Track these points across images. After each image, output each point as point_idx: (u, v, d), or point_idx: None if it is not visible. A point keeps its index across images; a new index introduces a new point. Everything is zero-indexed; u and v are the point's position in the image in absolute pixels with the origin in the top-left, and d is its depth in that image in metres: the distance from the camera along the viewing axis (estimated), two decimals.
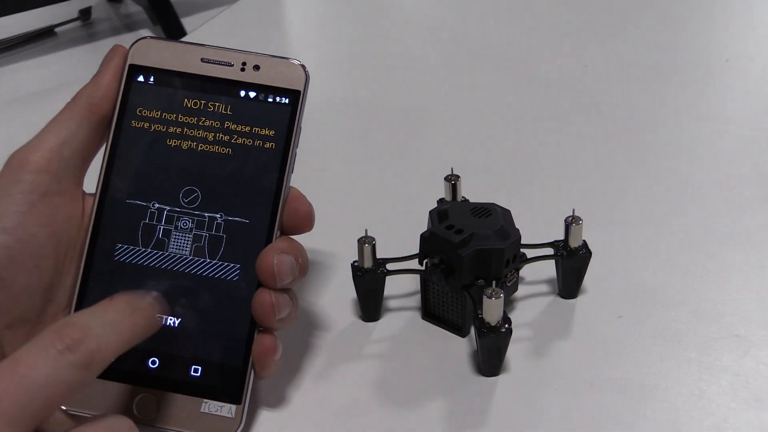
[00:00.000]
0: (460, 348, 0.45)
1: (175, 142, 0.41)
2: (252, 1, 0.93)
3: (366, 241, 0.45)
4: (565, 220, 0.46)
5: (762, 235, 0.52)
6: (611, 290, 0.48)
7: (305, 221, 0.41)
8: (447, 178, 0.50)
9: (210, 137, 0.41)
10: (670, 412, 0.41)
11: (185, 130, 0.41)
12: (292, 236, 0.41)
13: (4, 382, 0.29)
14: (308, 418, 0.42)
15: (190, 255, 0.40)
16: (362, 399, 0.42)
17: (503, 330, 0.41)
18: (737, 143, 0.62)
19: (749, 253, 0.51)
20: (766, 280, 0.48)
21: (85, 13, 1.13)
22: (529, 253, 0.47)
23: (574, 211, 0.46)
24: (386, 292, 0.47)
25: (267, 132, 0.41)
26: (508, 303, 0.47)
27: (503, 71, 0.74)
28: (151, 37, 0.42)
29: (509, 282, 0.46)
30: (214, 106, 0.41)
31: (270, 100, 0.41)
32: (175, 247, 0.40)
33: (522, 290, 0.48)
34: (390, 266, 0.46)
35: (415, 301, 0.48)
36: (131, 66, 0.41)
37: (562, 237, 0.46)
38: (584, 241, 0.46)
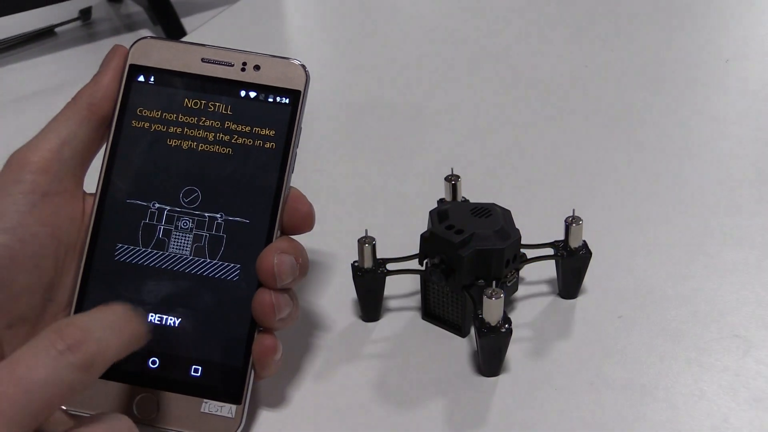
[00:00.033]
0: (460, 348, 0.45)
1: (175, 142, 0.41)
2: (252, 1, 0.93)
3: (366, 241, 0.45)
4: (565, 221, 0.46)
5: (762, 235, 0.52)
6: (611, 290, 0.48)
7: (305, 221, 0.41)
8: (447, 179, 0.50)
9: (210, 137, 0.41)
10: (670, 412, 0.41)
11: (185, 130, 0.41)
12: (293, 236, 0.41)
13: (3, 383, 0.29)
14: (308, 418, 0.42)
15: (190, 255, 0.40)
16: (362, 399, 0.42)
17: (503, 330, 0.41)
18: (737, 143, 0.62)
19: (749, 253, 0.51)
20: (766, 280, 0.48)
21: (85, 13, 1.13)
22: (530, 253, 0.47)
23: (574, 211, 0.46)
24: (386, 292, 0.47)
25: (267, 132, 0.41)
26: (508, 303, 0.47)
27: (503, 71, 0.74)
28: (152, 37, 0.42)
29: (509, 282, 0.46)
30: (214, 106, 0.41)
31: (270, 100, 0.41)
32: (175, 247, 0.40)
33: (522, 290, 0.48)
34: (390, 266, 0.46)
35: (415, 301, 0.48)
36: (131, 66, 0.41)
37: (562, 237, 0.46)
38: (584, 241, 0.46)
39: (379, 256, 0.46)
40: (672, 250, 0.51)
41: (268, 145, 0.41)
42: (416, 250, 0.45)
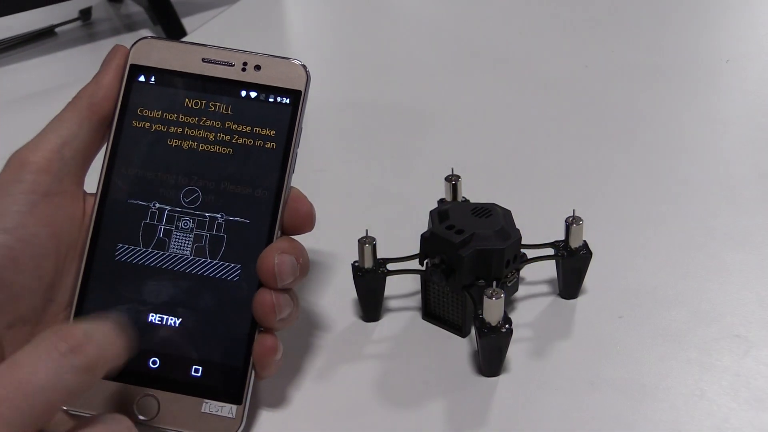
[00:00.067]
0: (460, 348, 0.45)
1: (176, 142, 0.41)
2: (252, 1, 0.93)
3: (366, 242, 0.45)
4: (566, 221, 0.46)
5: (762, 235, 0.52)
6: (612, 290, 0.48)
7: (306, 221, 0.41)
8: (447, 179, 0.50)
9: (211, 137, 0.41)
10: (670, 412, 0.41)
11: (186, 130, 0.41)
12: (293, 236, 0.41)
13: (4, 385, 0.29)
14: (309, 418, 0.42)
15: (190, 255, 0.40)
16: (363, 399, 0.42)
17: (504, 330, 0.41)
18: (737, 143, 0.62)
19: (749, 253, 0.51)
20: (767, 281, 0.48)
21: (85, 13, 1.13)
22: (530, 253, 0.47)
23: (574, 211, 0.46)
24: (387, 292, 0.47)
25: (268, 132, 0.41)
26: (509, 303, 0.47)
27: (504, 71, 0.74)
28: (152, 37, 0.42)
29: (510, 282, 0.46)
30: (215, 106, 0.41)
31: (271, 100, 0.41)
32: (175, 247, 0.40)
33: (522, 290, 0.48)
34: (390, 266, 0.46)
35: (416, 301, 0.48)
36: (132, 66, 0.41)
37: (562, 237, 0.46)
38: (585, 241, 0.46)
39: (379, 256, 0.46)
40: (672, 250, 0.51)
41: (268, 145, 0.41)
42: (416, 250, 0.45)
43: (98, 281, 0.40)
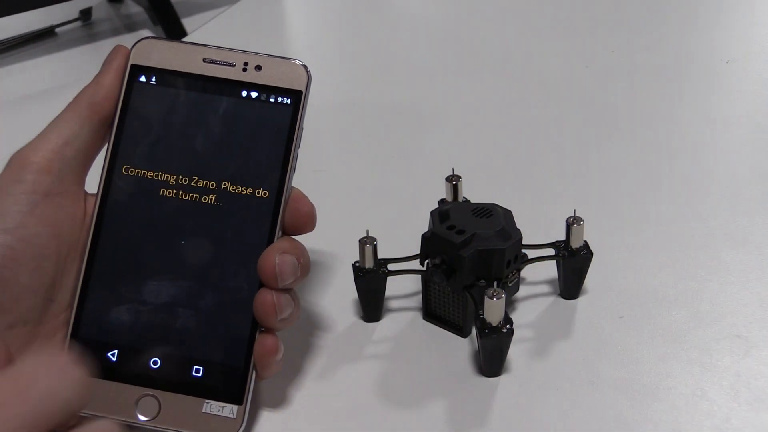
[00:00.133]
0: (461, 348, 0.45)
1: (176, 142, 0.41)
2: (252, 1, 0.93)
3: (367, 242, 0.45)
4: (567, 221, 0.46)
5: (763, 235, 0.52)
6: (612, 291, 0.48)
7: (307, 221, 0.41)
8: (448, 179, 0.50)
9: (212, 137, 0.41)
10: (670, 412, 0.41)
11: (187, 130, 0.41)
12: (294, 236, 0.41)
13: (5, 393, 0.29)
14: (309, 419, 0.42)
15: (191, 255, 0.40)
16: (363, 399, 0.42)
17: (504, 330, 0.41)
18: (738, 144, 0.62)
19: (750, 253, 0.51)
20: (767, 281, 0.48)
21: (85, 14, 1.13)
22: (531, 253, 0.47)
23: (575, 211, 0.46)
24: (387, 292, 0.47)
25: (269, 132, 0.41)
26: (509, 303, 0.47)
27: (504, 71, 0.74)
28: (153, 38, 0.42)
29: (510, 282, 0.46)
30: (215, 106, 0.41)
31: (272, 100, 0.41)
32: (176, 247, 0.40)
33: (523, 291, 0.48)
34: (391, 267, 0.46)
35: (416, 301, 0.48)
36: (133, 66, 0.41)
37: (563, 237, 0.47)
38: (585, 241, 0.46)
39: (380, 256, 0.46)
40: (673, 251, 0.51)
41: (269, 146, 0.41)
42: (417, 251, 0.45)
43: (99, 281, 0.40)
